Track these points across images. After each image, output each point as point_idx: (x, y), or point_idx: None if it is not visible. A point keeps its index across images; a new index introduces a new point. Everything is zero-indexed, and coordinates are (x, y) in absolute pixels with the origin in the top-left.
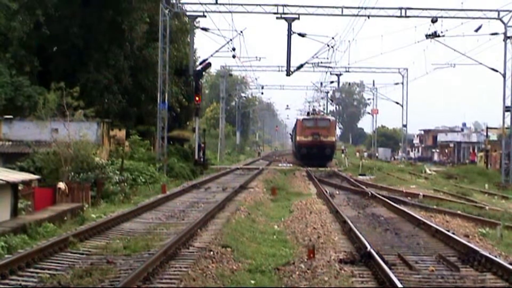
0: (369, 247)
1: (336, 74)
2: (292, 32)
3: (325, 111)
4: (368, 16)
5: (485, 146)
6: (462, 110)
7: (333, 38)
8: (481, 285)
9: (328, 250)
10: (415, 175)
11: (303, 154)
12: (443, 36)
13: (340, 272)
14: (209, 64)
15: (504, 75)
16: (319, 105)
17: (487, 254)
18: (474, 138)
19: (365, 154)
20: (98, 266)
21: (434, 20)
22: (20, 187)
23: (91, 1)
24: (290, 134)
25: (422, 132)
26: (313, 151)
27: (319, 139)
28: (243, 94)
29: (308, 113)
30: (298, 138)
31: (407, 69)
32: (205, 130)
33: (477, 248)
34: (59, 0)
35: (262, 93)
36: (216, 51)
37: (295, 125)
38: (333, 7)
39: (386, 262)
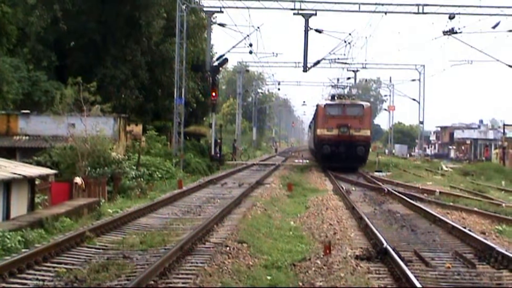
0: (385, 244)
1: (353, 71)
2: (309, 28)
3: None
4: (385, 13)
5: (502, 143)
6: (479, 107)
7: (350, 34)
8: (498, 282)
9: (344, 246)
10: (432, 172)
11: (325, 154)
12: (461, 32)
13: (356, 269)
14: (226, 60)
15: None
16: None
17: (504, 251)
18: (491, 135)
19: (386, 151)
20: (114, 261)
21: (451, 17)
22: (37, 182)
23: None
24: (309, 126)
25: (439, 129)
26: (339, 150)
27: (348, 133)
28: (259, 90)
29: (332, 97)
30: (319, 131)
31: (424, 66)
32: (221, 126)
33: (493, 245)
34: None
35: (278, 89)
36: (233, 47)
37: (315, 113)
38: (350, 3)
39: (402, 259)
